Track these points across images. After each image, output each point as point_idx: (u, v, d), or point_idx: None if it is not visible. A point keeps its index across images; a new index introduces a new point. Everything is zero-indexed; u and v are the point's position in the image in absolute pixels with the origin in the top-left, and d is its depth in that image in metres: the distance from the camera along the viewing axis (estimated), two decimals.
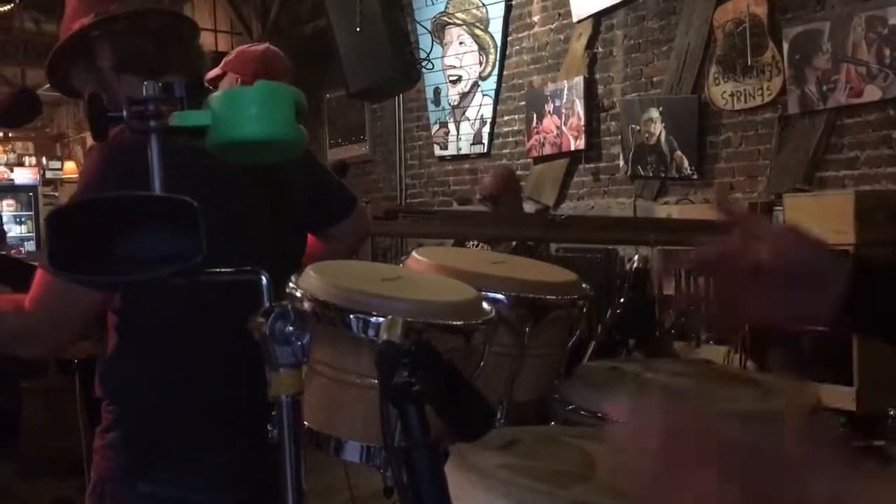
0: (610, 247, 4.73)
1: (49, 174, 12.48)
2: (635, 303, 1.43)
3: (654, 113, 5.15)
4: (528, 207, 5.91)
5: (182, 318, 1.50)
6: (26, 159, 12.46)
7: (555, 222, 1.53)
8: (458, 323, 1.06)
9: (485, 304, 1.16)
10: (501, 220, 1.75)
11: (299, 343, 0.80)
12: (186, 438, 1.52)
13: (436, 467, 0.83)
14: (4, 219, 10.48)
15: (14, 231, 11.09)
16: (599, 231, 1.55)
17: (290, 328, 0.81)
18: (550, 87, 5.85)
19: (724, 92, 4.75)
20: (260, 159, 0.99)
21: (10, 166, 12.07)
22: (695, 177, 4.94)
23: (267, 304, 0.86)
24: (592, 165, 5.60)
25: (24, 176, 12.13)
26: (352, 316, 1.02)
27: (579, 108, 5.60)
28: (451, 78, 6.66)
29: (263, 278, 0.86)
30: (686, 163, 4.99)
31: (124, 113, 0.89)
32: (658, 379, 1.31)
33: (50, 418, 5.03)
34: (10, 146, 12.18)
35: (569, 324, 1.36)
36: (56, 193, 11.81)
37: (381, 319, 1.00)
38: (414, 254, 1.37)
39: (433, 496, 0.82)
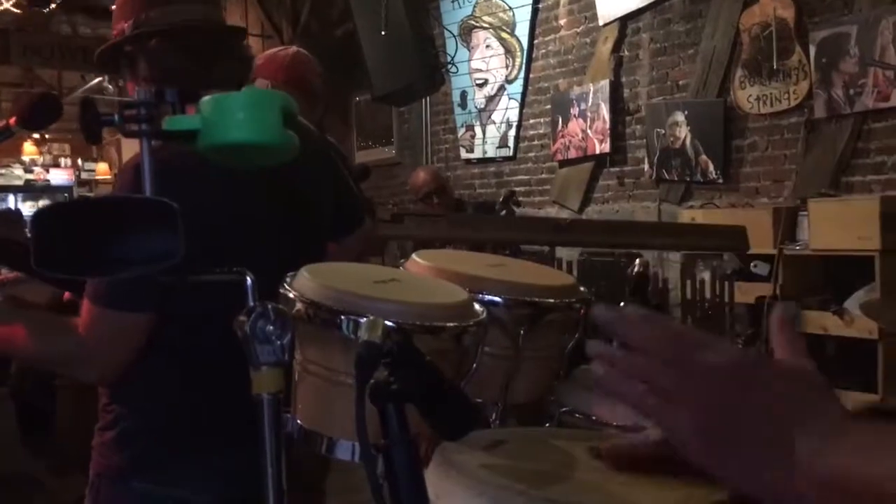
0: (634, 251, 4.72)
1: (84, 175, 12.70)
2: (637, 305, 1.43)
3: (680, 116, 5.12)
4: (554, 211, 5.91)
5: (181, 321, 1.52)
6: (62, 160, 12.69)
7: (561, 226, 1.53)
8: (445, 324, 1.07)
9: (476, 306, 1.17)
10: (507, 224, 1.76)
11: (279, 342, 0.82)
12: (183, 439, 1.54)
13: (414, 466, 0.84)
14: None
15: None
16: (606, 235, 1.55)
17: (271, 327, 0.82)
18: (576, 90, 5.84)
19: (750, 96, 4.71)
20: (249, 163, 1.01)
21: (46, 167, 12.30)
22: (720, 181, 4.90)
23: (251, 304, 0.88)
24: (617, 169, 5.58)
25: (59, 177, 12.35)
26: (342, 317, 1.03)
27: (605, 111, 5.58)
28: (478, 81, 6.67)
29: (248, 279, 0.88)
30: (711, 167, 4.95)
31: (116, 117, 0.91)
32: None
33: (82, 415, 5.11)
34: (46, 147, 12.42)
35: (566, 327, 1.36)
36: (91, 194, 12.01)
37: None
38: (414, 256, 1.38)
39: (411, 495, 0.83)
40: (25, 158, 12.10)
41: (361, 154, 7.87)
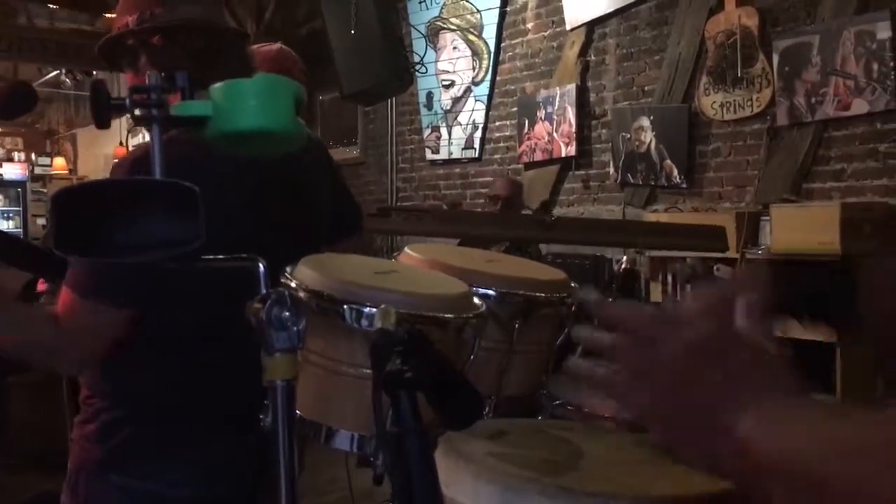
0: (598, 252, 4.77)
1: (38, 170, 12.43)
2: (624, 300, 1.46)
3: (645, 121, 5.19)
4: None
5: (162, 316, 1.51)
6: (15, 154, 12.41)
7: (546, 223, 1.55)
8: (450, 316, 1.08)
9: (475, 299, 1.18)
10: (493, 220, 1.77)
11: (295, 329, 0.82)
12: (162, 433, 1.53)
13: (426, 453, 0.85)
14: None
15: (2, 226, 11.03)
16: (589, 233, 1.57)
17: (287, 313, 0.82)
18: (543, 93, 5.89)
19: (715, 102, 4.80)
20: (259, 151, 1.01)
21: None
22: (684, 185, 4.98)
23: (264, 291, 0.88)
24: (583, 172, 5.64)
25: (13, 171, 12.07)
26: (345, 306, 1.03)
27: (571, 115, 5.64)
28: (445, 83, 6.69)
29: (261, 266, 0.88)
30: (675, 171, 5.03)
31: (127, 101, 0.90)
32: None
33: (37, 413, 5.02)
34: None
35: (557, 321, 1.38)
36: (45, 189, 11.76)
37: (374, 310, 1.02)
38: (406, 249, 1.39)
39: (423, 481, 0.84)
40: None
41: None
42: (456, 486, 0.88)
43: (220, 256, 0.91)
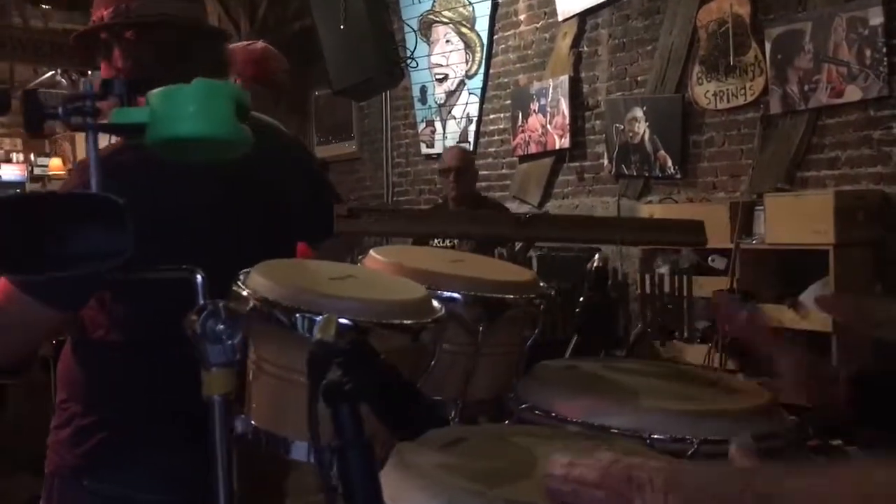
0: (593, 245, 4.74)
1: (37, 171, 12.40)
2: (595, 303, 1.44)
3: (639, 112, 5.15)
4: (514, 207, 5.91)
5: (132, 321, 1.49)
6: (14, 156, 12.38)
7: (521, 221, 1.53)
8: (405, 322, 1.06)
9: (435, 303, 1.16)
10: (467, 219, 1.75)
11: (230, 342, 0.80)
12: (134, 439, 1.52)
13: (369, 467, 0.82)
14: None
15: None
16: (567, 230, 1.55)
17: (222, 326, 0.80)
18: (536, 85, 5.85)
19: (708, 91, 4.76)
20: (201, 157, 0.98)
21: None
22: (678, 176, 4.95)
23: (201, 303, 0.85)
24: (577, 164, 5.61)
25: (11, 172, 12.05)
26: (297, 315, 1.01)
27: (564, 106, 5.60)
28: (438, 76, 6.65)
29: (198, 276, 0.86)
30: (669, 162, 4.99)
31: (60, 110, 0.88)
32: (614, 378, 1.31)
33: (31, 415, 5.01)
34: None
35: (526, 323, 1.35)
36: (43, 190, 11.74)
37: None
38: (371, 252, 1.36)
39: (366, 496, 0.81)
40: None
41: (321, 149, 7.80)
42: (402, 500, 0.86)
43: (159, 267, 0.88)
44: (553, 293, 1.37)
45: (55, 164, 12.26)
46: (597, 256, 1.46)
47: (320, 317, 1.01)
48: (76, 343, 1.61)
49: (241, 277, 1.08)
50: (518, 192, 5.96)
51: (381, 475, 0.95)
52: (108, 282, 1.37)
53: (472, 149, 6.39)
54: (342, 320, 1.00)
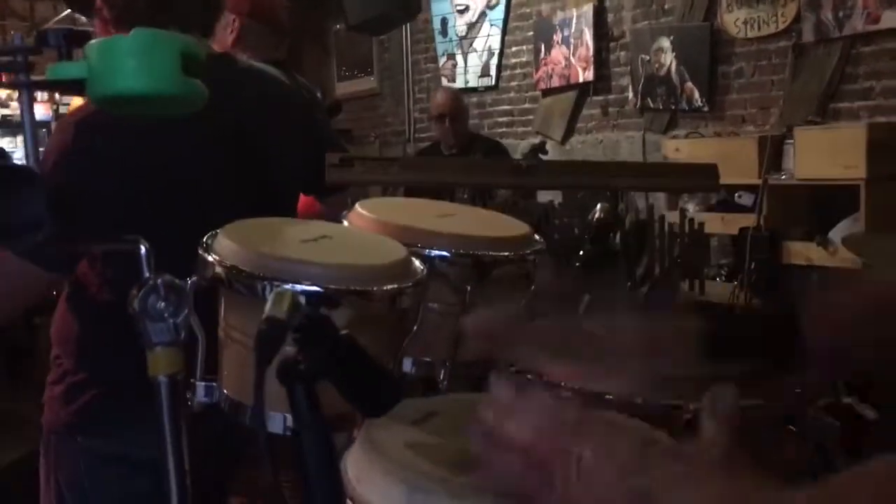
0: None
1: (63, 109, 12.41)
2: (597, 256, 1.36)
3: (665, 42, 4.96)
4: (537, 142, 5.78)
5: (122, 279, 1.45)
6: (38, 95, 12.38)
7: (520, 169, 1.44)
8: (378, 288, 0.99)
9: (416, 264, 1.08)
10: (463, 167, 1.66)
11: (172, 321, 0.74)
12: (125, 396, 1.48)
13: (325, 450, 0.77)
14: (18, 154, 10.45)
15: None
16: (570, 177, 1.46)
17: (163, 304, 0.74)
18: (559, 15, 5.65)
19: (737, 19, 4.55)
20: (149, 114, 0.91)
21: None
22: (706, 109, 4.78)
23: (145, 276, 0.79)
24: (601, 98, 5.44)
25: (37, 112, 12.05)
26: (262, 283, 0.95)
27: (588, 37, 5.41)
28: (459, 7, 6.46)
29: (142, 248, 0.79)
30: (697, 94, 4.82)
31: None
32: (610, 339, 1.24)
33: None
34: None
35: (519, 280, 1.28)
36: None
37: (296, 286, 0.93)
38: (357, 206, 1.29)
39: (323, 483, 0.76)
40: (1, 94, 11.80)
41: (342, 85, 7.67)
42: (367, 484, 0.80)
43: (102, 238, 0.82)
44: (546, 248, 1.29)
45: (77, 103, 12.26)
46: (598, 207, 1.38)
47: (288, 285, 0.95)
48: (68, 299, 1.58)
49: (207, 240, 1.02)
50: (541, 128, 5.82)
51: (350, 452, 0.90)
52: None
53: (493, 83, 6.24)
54: (310, 287, 0.94)
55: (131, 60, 0.82)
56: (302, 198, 1.79)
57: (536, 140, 5.66)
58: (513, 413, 0.73)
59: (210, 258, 0.99)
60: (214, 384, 1.05)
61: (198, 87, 0.88)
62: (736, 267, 4.15)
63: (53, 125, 11.91)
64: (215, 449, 1.39)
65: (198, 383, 1.02)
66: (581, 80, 5.50)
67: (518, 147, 5.78)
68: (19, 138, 11.61)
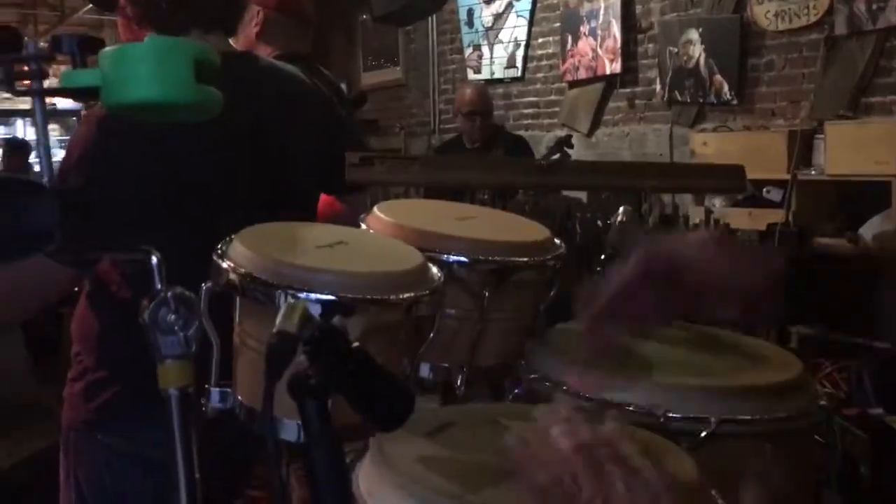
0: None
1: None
2: (618, 259, 1.33)
3: (694, 34, 4.89)
4: (563, 134, 5.74)
5: (143, 278, 1.45)
6: None
7: (543, 168, 1.42)
8: (395, 296, 0.98)
9: (433, 270, 1.07)
10: (485, 166, 1.64)
11: (182, 334, 0.73)
12: (145, 395, 1.49)
13: (335, 464, 0.76)
14: (50, 143, 10.53)
15: (59, 156, 11.16)
16: (592, 176, 1.44)
17: (173, 317, 0.73)
18: (586, 6, 5.59)
19: (768, 11, 4.48)
20: (163, 120, 0.90)
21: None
22: (734, 102, 4.71)
23: (157, 288, 0.78)
24: (628, 90, 5.38)
25: (66, 101, 12.15)
26: (277, 291, 0.94)
27: (616, 29, 5.35)
28: None
29: (153, 258, 0.79)
30: (726, 87, 4.75)
31: (2, 74, 0.80)
32: (632, 345, 1.22)
33: None
34: (52, 70, 12.18)
35: (539, 286, 1.26)
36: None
37: (309, 295, 0.93)
38: (375, 210, 1.28)
39: (331, 495, 0.75)
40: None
41: (368, 76, 7.66)
42: (377, 498, 0.79)
43: (116, 247, 0.81)
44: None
45: None
46: (621, 210, 1.35)
47: (304, 293, 0.94)
48: (89, 297, 1.59)
49: (222, 247, 1.01)
50: (566, 120, 5.77)
51: (361, 465, 0.90)
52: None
53: (520, 74, 6.20)
54: (325, 296, 0.93)
55: (144, 68, 0.81)
56: (322, 197, 1.78)
57: (562, 132, 5.63)
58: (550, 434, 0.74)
59: (224, 265, 0.98)
60: (229, 390, 1.05)
61: (212, 94, 0.87)
62: None
63: (83, 113, 12.01)
64: (231, 452, 1.39)
65: (212, 389, 1.02)
66: (608, 72, 5.44)
67: (543, 140, 5.74)
68: (49, 126, 11.70)
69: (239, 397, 1.04)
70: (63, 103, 12.18)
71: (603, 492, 0.67)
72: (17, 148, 7.16)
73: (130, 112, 0.85)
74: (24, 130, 11.10)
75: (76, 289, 1.65)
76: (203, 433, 1.03)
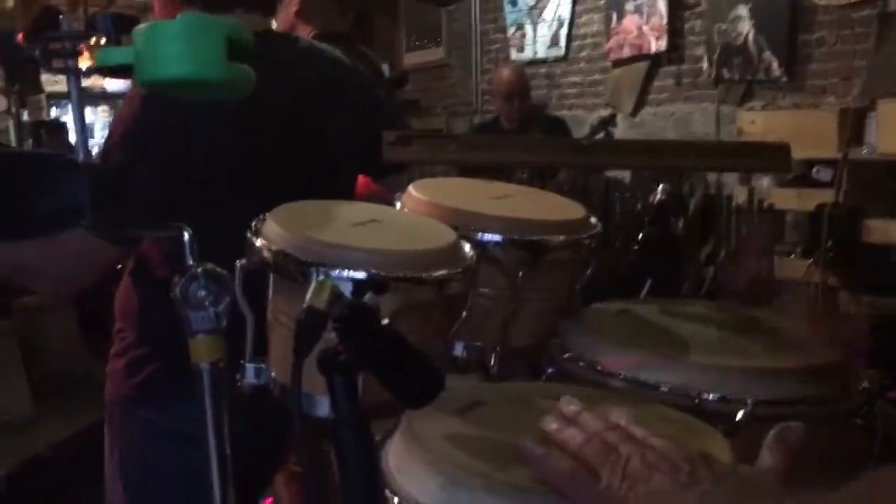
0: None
1: None
2: (656, 239, 1.31)
3: (743, 10, 4.78)
4: (607, 114, 5.67)
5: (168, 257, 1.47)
6: None
7: (580, 147, 1.40)
8: (428, 274, 0.97)
9: (466, 248, 1.07)
10: (522, 145, 1.63)
11: (213, 310, 0.74)
12: (187, 371, 1.51)
13: (363, 441, 0.76)
14: (99, 125, 10.72)
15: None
16: (630, 156, 1.41)
17: (203, 293, 0.74)
18: None
19: None
20: (196, 98, 0.91)
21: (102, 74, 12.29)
22: (784, 79, 4.60)
23: (189, 263, 0.79)
24: (674, 68, 5.29)
25: (115, 83, 12.33)
26: (310, 268, 0.94)
27: (662, 5, 5.25)
28: None
29: (185, 234, 0.79)
30: (775, 64, 4.64)
31: (37, 52, 0.82)
32: (668, 325, 1.20)
33: None
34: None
35: (575, 265, 1.25)
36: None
37: (342, 272, 0.93)
38: (410, 188, 1.28)
39: (360, 476, 0.75)
40: (81, 65, 12.08)
41: (410, 56, 7.64)
42: (406, 474, 0.80)
43: (151, 226, 0.82)
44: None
45: None
46: (660, 188, 1.33)
47: (337, 270, 0.94)
48: (132, 274, 1.61)
49: (255, 224, 1.02)
50: (611, 100, 5.70)
51: (391, 442, 0.90)
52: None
53: (563, 53, 6.13)
54: (357, 273, 0.93)
55: (176, 46, 0.81)
56: (360, 179, 1.79)
57: (606, 112, 5.56)
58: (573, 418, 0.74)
59: (258, 242, 0.99)
60: (263, 366, 1.06)
61: (244, 71, 0.87)
62: (812, 245, 4.01)
63: (127, 94, 12.17)
64: (267, 427, 1.40)
65: (247, 365, 1.03)
66: (653, 50, 5.35)
67: (587, 120, 5.68)
68: (100, 108, 11.91)
69: (273, 373, 1.05)
70: (112, 86, 12.39)
71: (620, 472, 0.66)
72: (56, 128, 7.32)
73: (163, 89, 0.85)
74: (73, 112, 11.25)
75: (119, 266, 1.68)
76: (238, 407, 1.04)
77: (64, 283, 1.54)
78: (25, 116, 8.00)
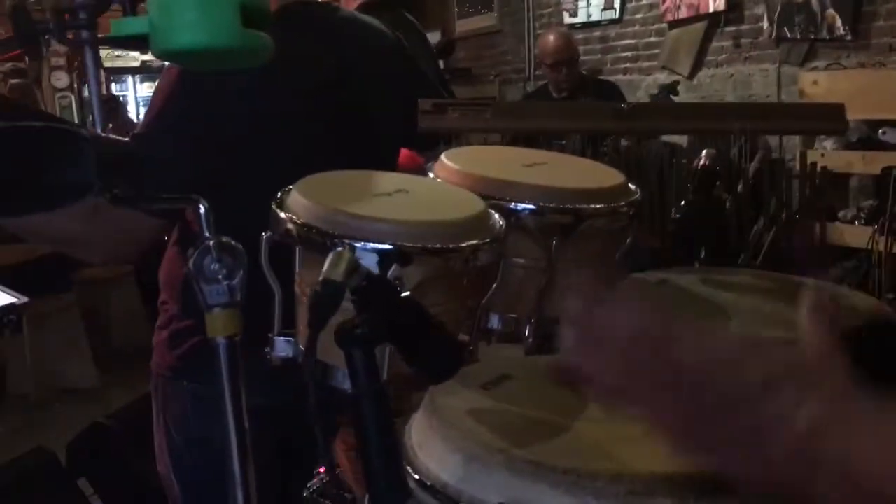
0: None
1: None
2: (700, 206, 1.26)
3: None
4: (663, 77, 5.53)
5: (227, 227, 1.47)
6: None
7: (623, 112, 1.35)
8: (454, 245, 0.95)
9: (495, 217, 1.04)
10: (561, 112, 1.58)
11: (227, 283, 0.72)
12: None
13: (383, 416, 0.75)
14: (143, 102, 10.89)
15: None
16: (676, 120, 1.36)
17: (216, 266, 0.73)
18: None
19: None
20: (214, 68, 0.89)
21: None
22: (848, 38, 4.42)
23: (205, 236, 0.78)
24: (733, 28, 5.12)
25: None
26: (333, 240, 0.92)
27: None
28: None
29: (201, 206, 0.78)
30: (839, 22, 4.46)
31: (50, 23, 0.81)
32: (707, 296, 1.16)
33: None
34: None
35: (612, 233, 1.21)
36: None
37: (366, 244, 0.91)
38: (442, 157, 1.25)
39: (378, 448, 0.74)
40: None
41: (462, 23, 7.56)
42: (427, 450, 0.78)
43: (166, 196, 0.81)
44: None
45: None
46: (704, 153, 1.27)
47: (360, 243, 0.92)
48: (175, 245, 1.62)
49: (280, 196, 1.01)
50: (667, 62, 5.55)
51: (414, 417, 0.88)
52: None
53: (617, 15, 5.99)
54: (382, 245, 0.91)
55: (189, 14, 0.80)
56: (403, 151, 1.77)
57: (662, 76, 5.43)
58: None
59: (283, 215, 0.98)
60: (292, 339, 1.05)
61: (261, 38, 0.85)
62: (878, 209, 3.86)
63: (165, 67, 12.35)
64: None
65: (276, 338, 1.03)
66: (711, 9, 5.18)
67: (643, 84, 5.55)
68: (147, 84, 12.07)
69: (301, 346, 1.04)
70: (158, 62, 12.55)
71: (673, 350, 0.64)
72: (110, 102, 7.50)
73: (179, 59, 0.84)
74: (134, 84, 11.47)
75: (165, 238, 1.69)
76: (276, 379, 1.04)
77: (113, 253, 1.57)
78: (86, 93, 8.19)
